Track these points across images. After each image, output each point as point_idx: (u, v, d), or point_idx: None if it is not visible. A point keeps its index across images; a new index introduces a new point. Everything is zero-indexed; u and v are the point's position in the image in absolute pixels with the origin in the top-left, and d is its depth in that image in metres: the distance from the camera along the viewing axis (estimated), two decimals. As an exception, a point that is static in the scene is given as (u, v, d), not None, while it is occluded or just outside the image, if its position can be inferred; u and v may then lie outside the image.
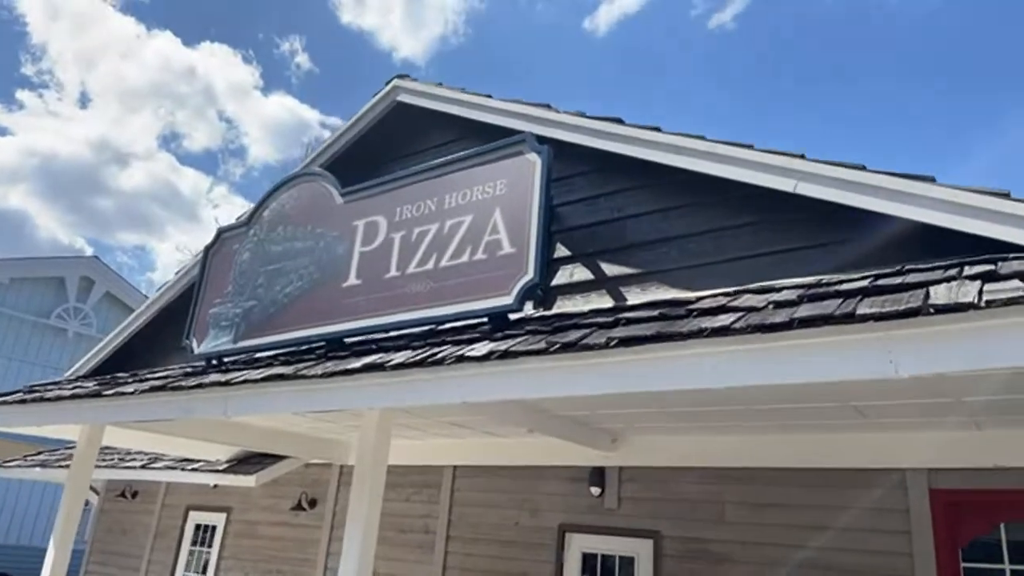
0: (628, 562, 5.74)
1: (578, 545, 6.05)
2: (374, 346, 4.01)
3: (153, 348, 8.78)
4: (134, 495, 9.63)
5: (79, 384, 5.78)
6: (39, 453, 10.25)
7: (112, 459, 8.80)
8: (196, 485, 8.93)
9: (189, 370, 5.08)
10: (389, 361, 3.49)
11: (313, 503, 7.81)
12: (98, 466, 8.49)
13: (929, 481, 4.60)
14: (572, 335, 3.06)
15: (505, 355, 3.11)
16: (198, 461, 7.93)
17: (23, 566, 15.42)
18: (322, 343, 4.42)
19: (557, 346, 2.94)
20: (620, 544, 5.82)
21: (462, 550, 6.65)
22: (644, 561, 5.64)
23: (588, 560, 5.97)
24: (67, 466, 8.61)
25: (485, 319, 3.76)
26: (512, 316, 3.80)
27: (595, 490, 6.08)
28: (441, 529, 6.84)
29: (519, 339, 3.28)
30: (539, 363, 3.03)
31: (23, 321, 17.95)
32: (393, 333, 4.29)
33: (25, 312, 18.01)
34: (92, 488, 10.18)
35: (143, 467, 8.13)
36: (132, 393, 4.65)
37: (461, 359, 3.24)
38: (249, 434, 6.57)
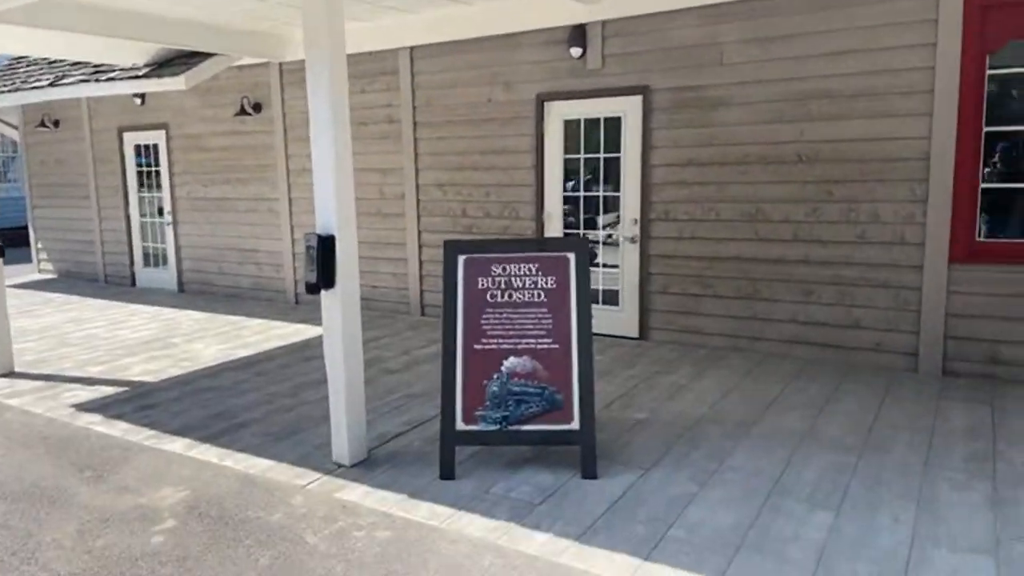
0: (615, 122, 5.38)
1: (558, 113, 5.61)
2: None
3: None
4: (56, 124, 8.70)
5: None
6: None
7: (13, 83, 7.66)
8: (123, 105, 8.01)
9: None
10: None
11: (258, 107, 7.08)
12: (-1, 90, 7.40)
13: (964, -13, 4.06)
14: None
15: None
16: (113, 69, 6.89)
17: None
18: None
19: None
20: (605, 105, 5.40)
21: (433, 135, 6.22)
22: (632, 118, 5.28)
23: (570, 127, 5.60)
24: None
25: None
26: None
27: (576, 51, 5.43)
28: (406, 116, 6.30)
29: None
30: None
31: None
32: None
33: None
34: (6, 122, 9.17)
35: (51, 85, 7.09)
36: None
37: None
38: (161, 27, 5.49)
